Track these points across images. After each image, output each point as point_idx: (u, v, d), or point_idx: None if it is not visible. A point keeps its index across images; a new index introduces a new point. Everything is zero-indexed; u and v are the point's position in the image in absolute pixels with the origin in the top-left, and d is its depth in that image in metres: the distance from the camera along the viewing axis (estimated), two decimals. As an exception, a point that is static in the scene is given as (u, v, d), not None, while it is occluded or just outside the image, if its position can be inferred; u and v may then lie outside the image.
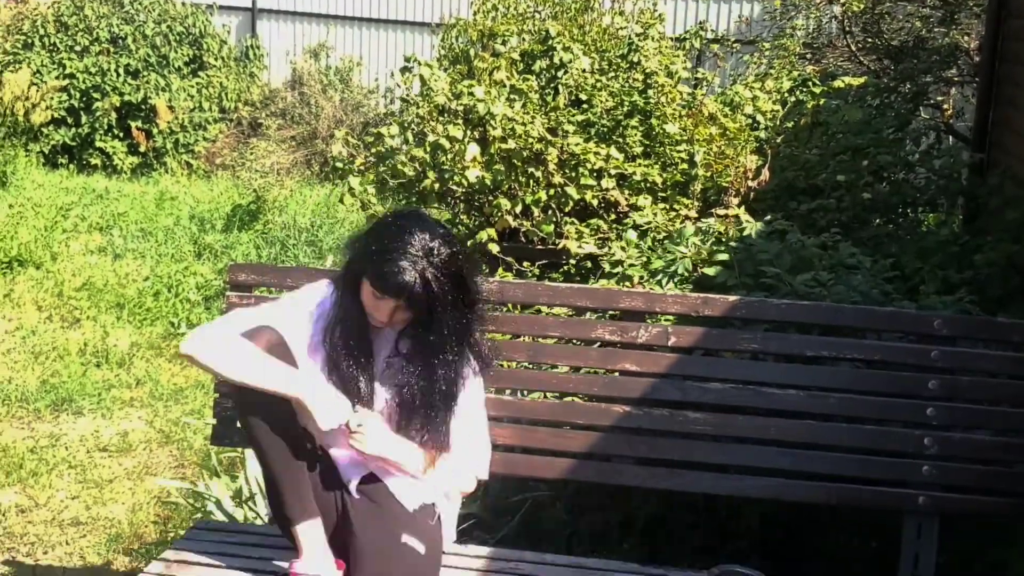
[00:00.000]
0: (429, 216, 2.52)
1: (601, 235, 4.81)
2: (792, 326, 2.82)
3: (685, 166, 5.17)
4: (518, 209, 4.98)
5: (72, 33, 10.23)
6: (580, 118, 5.44)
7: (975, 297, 3.67)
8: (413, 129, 5.56)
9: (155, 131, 9.97)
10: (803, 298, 3.32)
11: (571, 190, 4.94)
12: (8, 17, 10.54)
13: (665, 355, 2.76)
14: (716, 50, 8.57)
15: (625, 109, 5.43)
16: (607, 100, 5.50)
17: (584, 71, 5.68)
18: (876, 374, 2.72)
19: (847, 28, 8.16)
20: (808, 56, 8.29)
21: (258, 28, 11.69)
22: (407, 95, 5.96)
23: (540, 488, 3.48)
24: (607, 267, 4.16)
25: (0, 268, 6.80)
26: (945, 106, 7.64)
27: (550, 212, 5.01)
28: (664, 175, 5.14)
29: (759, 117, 5.83)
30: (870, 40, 8.07)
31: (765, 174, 5.08)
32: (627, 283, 3.88)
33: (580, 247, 4.64)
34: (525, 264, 4.81)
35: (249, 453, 3.45)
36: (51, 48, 10.19)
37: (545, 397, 3.15)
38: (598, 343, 2.91)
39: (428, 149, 5.12)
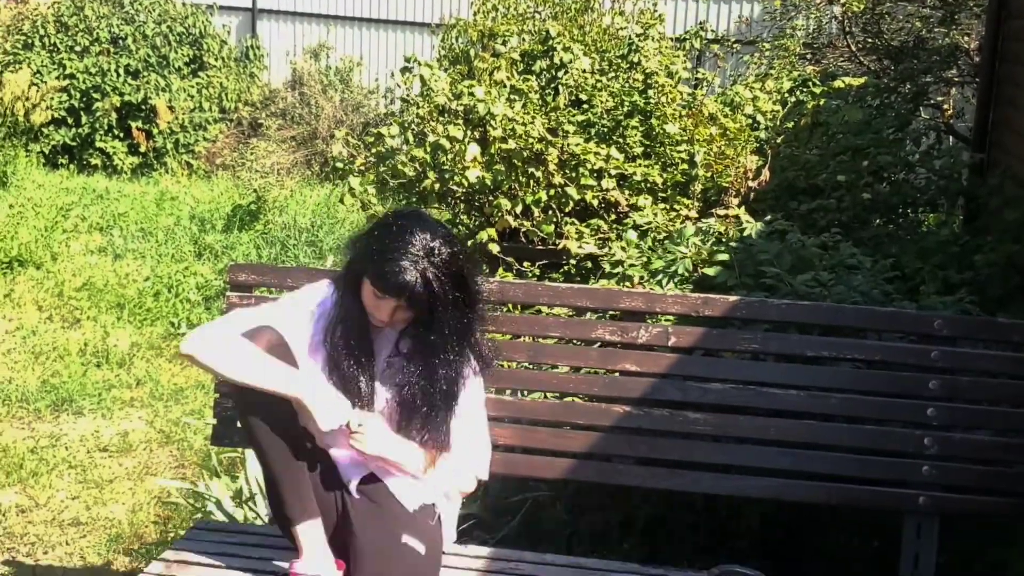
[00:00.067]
0: (430, 216, 2.52)
1: (601, 235, 4.81)
2: (792, 326, 2.82)
3: (685, 166, 5.17)
4: (518, 209, 4.99)
5: (72, 33, 10.23)
6: (580, 118, 5.44)
7: (975, 297, 3.67)
8: (413, 129, 5.56)
9: (155, 131, 9.97)
10: (803, 298, 3.32)
11: (571, 190, 4.95)
12: (8, 17, 10.55)
13: (665, 355, 2.76)
14: (716, 50, 8.58)
15: (625, 109, 5.43)
16: (607, 100, 5.51)
17: (584, 71, 5.68)
18: (876, 374, 2.72)
19: (847, 28, 8.16)
20: (808, 56, 8.29)
21: (258, 28, 11.70)
22: (407, 95, 5.97)
23: (540, 488, 3.47)
24: (607, 267, 4.17)
25: (0, 268, 6.80)
26: (945, 106, 7.64)
27: (550, 212, 5.01)
28: (664, 175, 5.14)
29: (759, 117, 5.84)
30: (870, 40, 8.07)
31: (765, 174, 5.09)
32: (627, 283, 3.88)
33: (580, 247, 4.65)
34: (525, 264, 4.81)
35: (249, 453, 3.45)
36: (51, 48, 10.19)
37: (545, 397, 3.15)
38: (598, 343, 2.91)
39: (428, 149, 5.12)
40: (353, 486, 2.48)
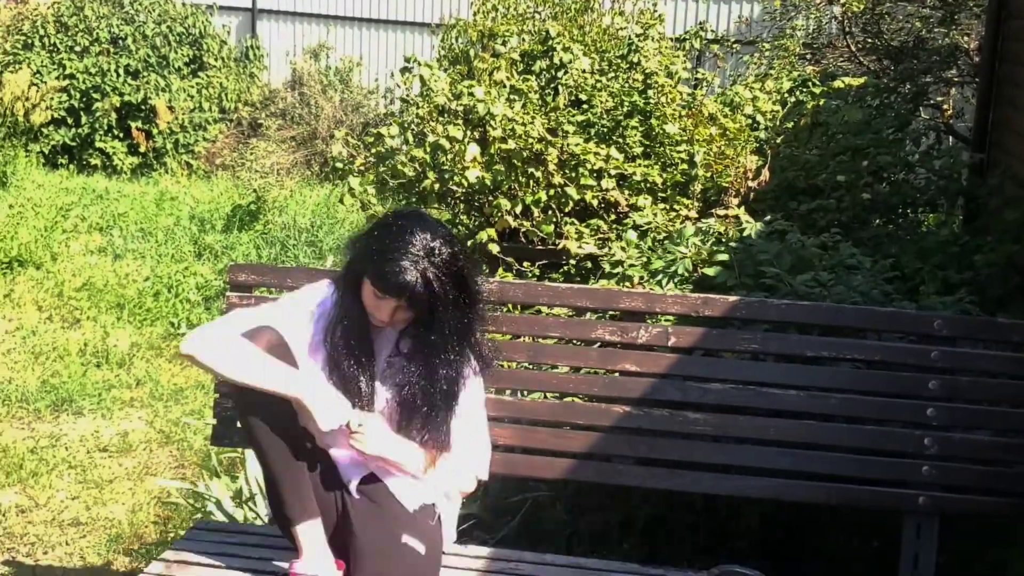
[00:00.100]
0: (430, 216, 2.53)
1: (601, 235, 4.81)
2: (792, 326, 2.82)
3: (685, 166, 5.17)
4: (518, 209, 4.98)
5: (72, 33, 10.23)
6: (580, 118, 5.44)
7: (975, 297, 3.67)
8: (413, 129, 5.56)
9: (155, 131, 9.97)
10: (803, 298, 3.32)
11: (571, 190, 4.95)
12: (8, 17, 10.55)
13: (665, 355, 2.76)
14: (716, 50, 8.58)
15: (625, 109, 5.43)
16: (607, 100, 5.51)
17: (584, 71, 5.68)
18: (876, 374, 2.72)
19: (847, 28, 8.16)
20: (808, 56, 8.29)
21: (258, 28, 11.70)
22: (407, 95, 5.97)
23: (540, 488, 3.47)
24: (607, 267, 4.17)
25: (0, 268, 6.80)
26: (945, 106, 7.64)
27: (550, 212, 5.01)
28: (664, 175, 5.14)
29: (759, 117, 5.84)
30: (870, 40, 8.07)
31: (765, 174, 5.09)
32: (627, 283, 3.88)
33: (580, 247, 4.65)
34: (525, 264, 4.81)
35: (249, 453, 3.45)
36: (51, 48, 10.19)
37: (545, 397, 3.15)
38: (598, 343, 2.91)
39: (428, 149, 5.12)
40: (353, 486, 2.48)
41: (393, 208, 4.62)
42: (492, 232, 4.87)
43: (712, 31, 8.73)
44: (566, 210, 5.00)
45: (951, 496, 2.66)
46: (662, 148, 5.27)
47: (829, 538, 3.28)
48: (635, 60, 5.80)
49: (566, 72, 5.68)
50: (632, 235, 4.42)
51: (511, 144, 4.94)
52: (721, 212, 4.70)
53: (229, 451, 4.13)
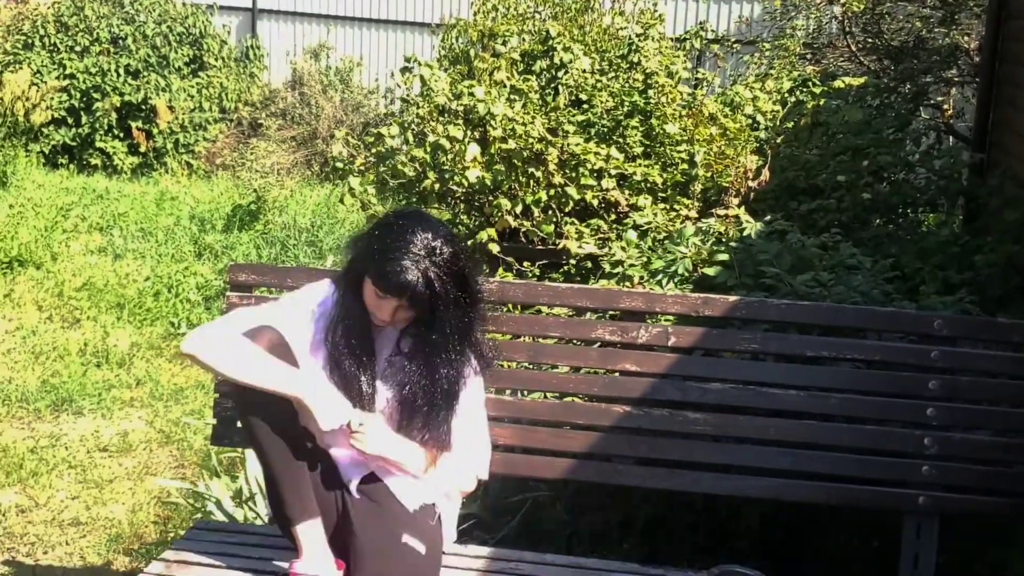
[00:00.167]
0: (431, 216, 2.53)
1: (601, 235, 4.81)
2: (792, 326, 2.82)
3: (685, 166, 5.17)
4: (518, 209, 4.99)
5: (72, 33, 10.23)
6: (580, 118, 5.44)
7: (975, 297, 3.67)
8: (413, 129, 5.56)
9: (155, 131, 9.97)
10: (803, 298, 3.32)
11: (571, 190, 4.95)
12: (8, 17, 10.55)
13: (665, 355, 2.76)
14: (716, 50, 8.58)
15: (625, 109, 5.43)
16: (607, 100, 5.51)
17: (584, 71, 5.68)
18: (876, 374, 2.72)
19: (847, 28, 8.16)
20: (808, 56, 8.29)
21: (258, 28, 11.70)
22: (407, 95, 5.97)
23: (540, 488, 3.48)
24: (607, 267, 4.17)
25: (0, 268, 6.80)
26: (945, 106, 7.64)
27: (550, 212, 5.01)
28: (664, 175, 5.14)
29: (759, 117, 5.84)
30: (870, 40, 8.07)
31: (765, 174, 5.09)
32: (627, 283, 3.88)
33: (580, 247, 4.65)
34: (525, 264, 4.81)
35: (249, 453, 3.45)
36: (51, 48, 10.19)
37: (545, 397, 3.15)
38: (598, 343, 2.91)
39: (428, 149, 5.12)
40: (353, 486, 2.48)
41: (394, 208, 4.63)
42: (492, 232, 4.87)
43: (712, 31, 8.73)
44: (566, 210, 5.00)
45: (951, 496, 2.66)
46: (662, 148, 5.27)
47: (829, 538, 3.28)
48: (635, 60, 5.80)
49: (566, 72, 5.68)
50: (632, 235, 4.42)
51: (511, 144, 4.94)
52: (721, 212, 4.70)
53: (229, 451, 4.13)
